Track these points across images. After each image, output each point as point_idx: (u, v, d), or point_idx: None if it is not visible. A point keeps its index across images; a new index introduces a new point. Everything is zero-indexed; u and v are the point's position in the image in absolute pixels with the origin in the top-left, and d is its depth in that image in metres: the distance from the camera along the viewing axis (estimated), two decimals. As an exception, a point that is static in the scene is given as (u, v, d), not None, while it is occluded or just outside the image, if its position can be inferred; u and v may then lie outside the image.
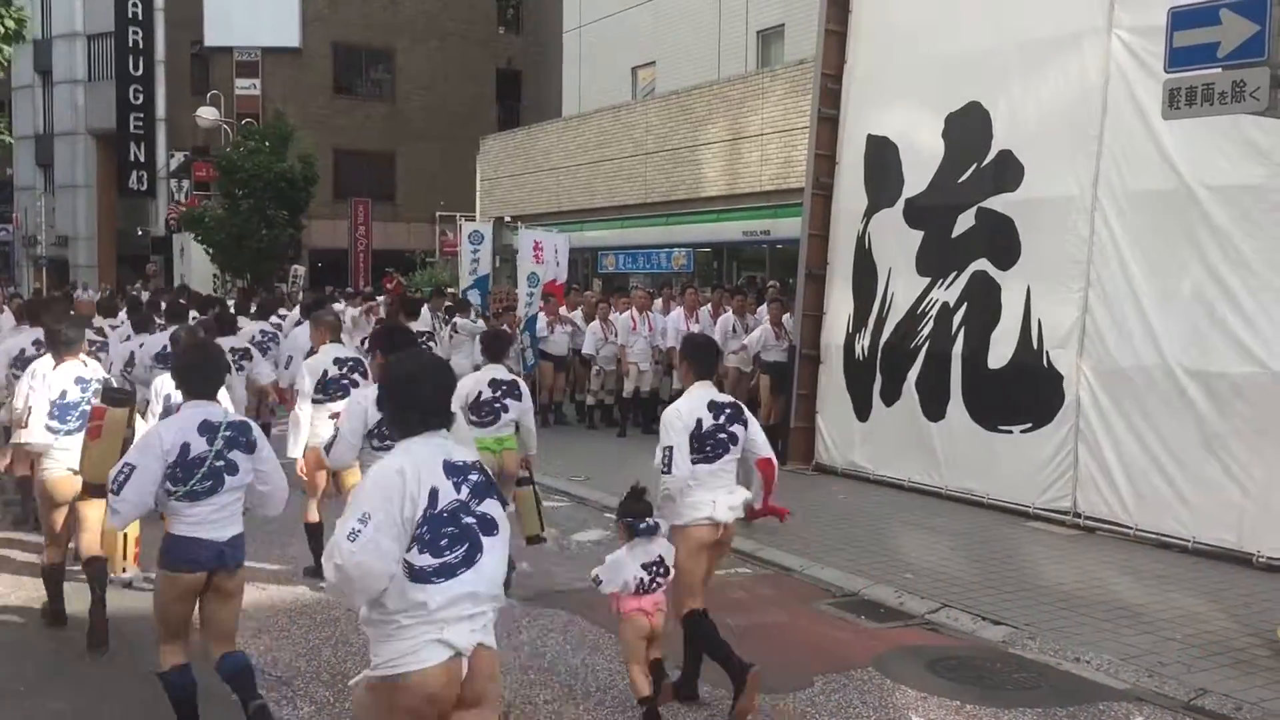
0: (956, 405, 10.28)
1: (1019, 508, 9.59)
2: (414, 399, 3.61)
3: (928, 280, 10.69)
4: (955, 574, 7.85)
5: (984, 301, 10.10)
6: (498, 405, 7.48)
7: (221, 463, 4.76)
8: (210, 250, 29.17)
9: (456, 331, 14.17)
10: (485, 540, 3.51)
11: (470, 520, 3.50)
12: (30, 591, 7.34)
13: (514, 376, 7.81)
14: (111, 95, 39.46)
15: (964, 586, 7.52)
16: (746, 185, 20.40)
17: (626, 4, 28.45)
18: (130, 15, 38.40)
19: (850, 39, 11.80)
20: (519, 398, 7.57)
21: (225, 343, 9.98)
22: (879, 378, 11.14)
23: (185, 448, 4.70)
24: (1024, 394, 9.68)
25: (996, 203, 10.02)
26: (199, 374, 4.47)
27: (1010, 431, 9.79)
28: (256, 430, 5.04)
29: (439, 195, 35.12)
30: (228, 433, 4.82)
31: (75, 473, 6.11)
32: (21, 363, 7.77)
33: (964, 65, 10.39)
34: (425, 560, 3.38)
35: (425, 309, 15.76)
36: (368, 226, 33.04)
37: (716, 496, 5.50)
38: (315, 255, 34.24)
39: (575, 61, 30.98)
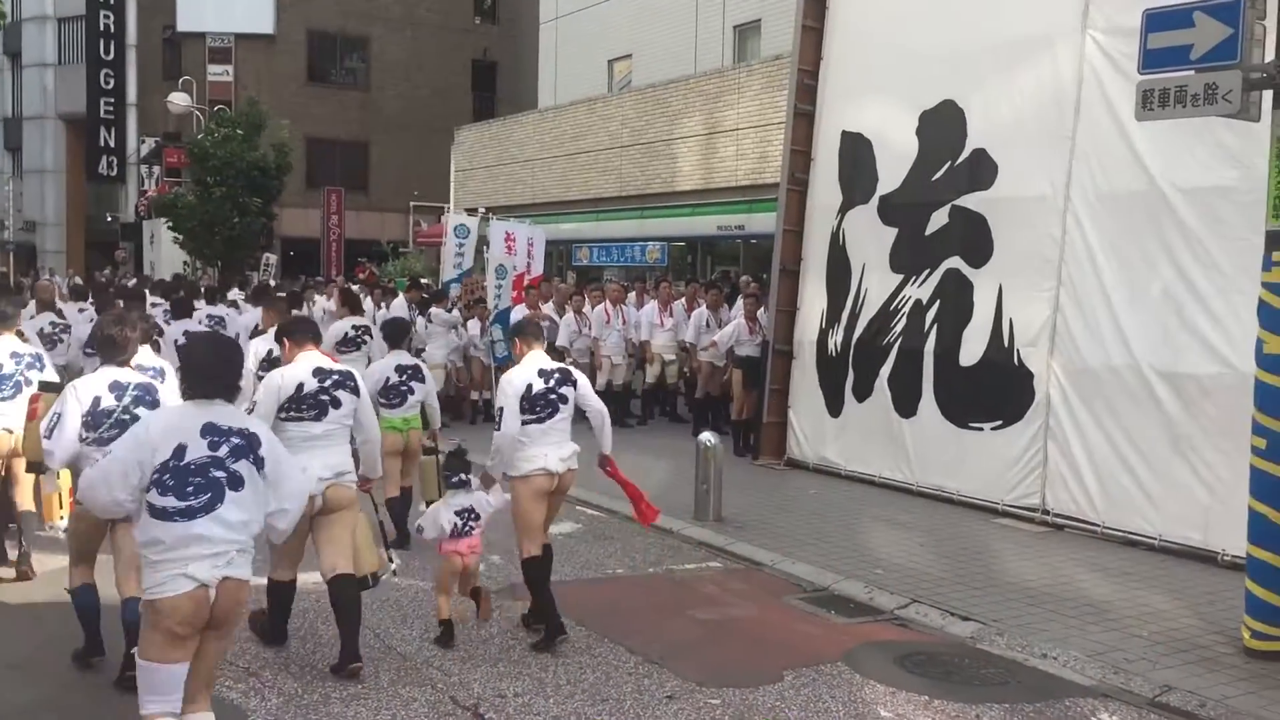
0: (928, 402, 10.34)
1: (988, 504, 9.66)
2: (192, 372, 4.34)
3: (901, 277, 10.73)
4: (925, 570, 7.90)
5: (956, 299, 10.15)
6: (404, 389, 8.17)
7: (128, 416, 5.33)
8: (181, 237, 28.91)
9: (431, 322, 14.12)
10: (230, 493, 4.11)
11: (220, 474, 4.11)
12: (-6, 580, 7.28)
13: (417, 362, 8.47)
14: (82, 79, 39.08)
15: (933, 582, 7.57)
16: (722, 180, 20.42)
17: (604, -4, 28.42)
18: (101, -1, 38.06)
19: (827, 35, 11.82)
20: (423, 380, 8.28)
21: (180, 325, 10.90)
22: (851, 374, 11.18)
23: (96, 400, 5.39)
24: (995, 392, 9.74)
25: (970, 201, 10.07)
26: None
27: (981, 429, 9.85)
28: (163, 391, 5.65)
29: (413, 185, 34.96)
30: (135, 391, 5.49)
31: (9, 431, 7.02)
32: None
33: (939, 63, 10.43)
34: (168, 502, 4.03)
35: (401, 298, 15.72)
36: (340, 216, 32.84)
37: (549, 450, 6.32)
38: (287, 244, 34.02)
39: (551, 53, 30.90)
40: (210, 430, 4.15)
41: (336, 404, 5.93)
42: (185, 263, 30.40)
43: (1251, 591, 6.20)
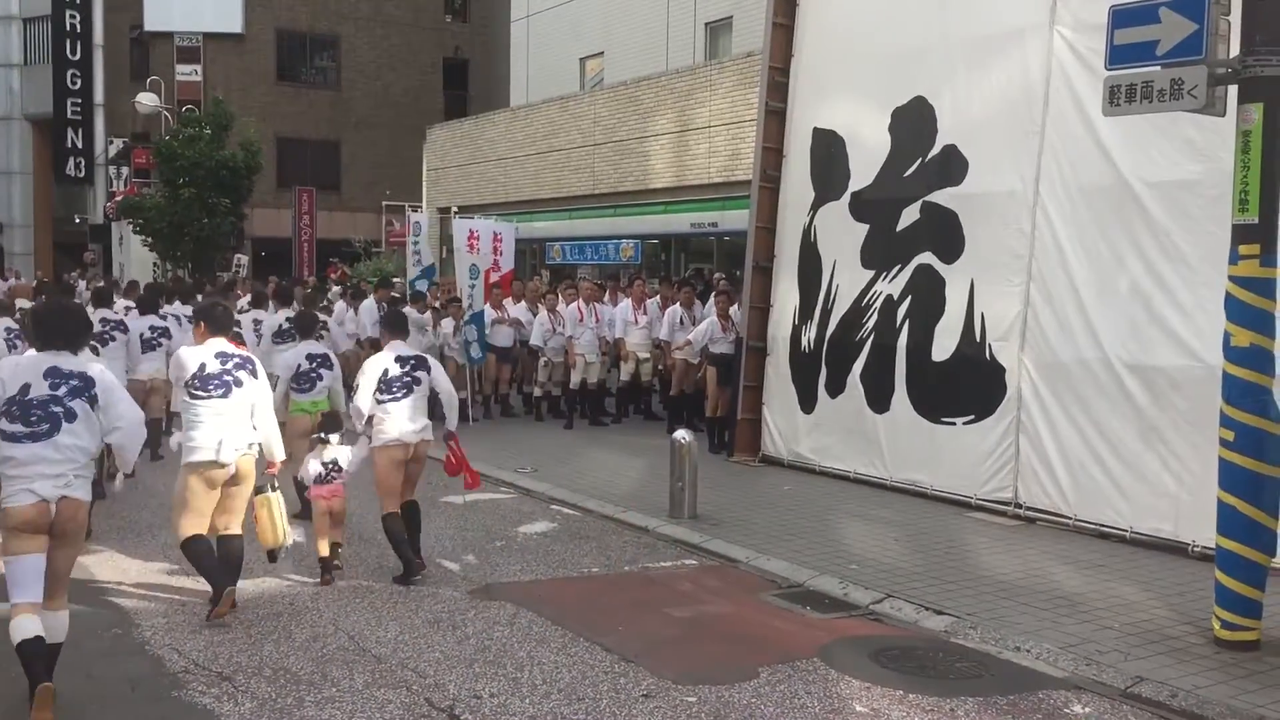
0: (900, 397, 10.38)
1: (962, 499, 9.71)
2: (41, 328, 5.49)
3: (872, 273, 10.77)
4: (899, 565, 7.93)
5: (928, 294, 10.20)
6: (314, 375, 8.78)
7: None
8: (149, 239, 28.65)
9: None
10: (65, 425, 5.18)
11: (57, 409, 5.18)
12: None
13: (326, 350, 9.18)
14: (48, 80, 38.60)
15: (907, 577, 7.60)
16: (694, 177, 20.42)
17: (575, -7, 28.37)
18: (67, -2, 37.63)
19: (797, 32, 11.84)
20: (330, 367, 8.89)
21: (144, 321, 11.43)
22: (824, 370, 11.21)
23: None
24: (967, 386, 9.79)
25: (941, 196, 10.11)
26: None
27: (954, 423, 9.90)
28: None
29: (384, 185, 34.76)
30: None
31: None
32: None
33: (909, 60, 10.47)
34: (16, 428, 5.11)
35: (370, 299, 15.62)
36: (312, 215, 32.61)
37: (403, 425, 7.49)
38: (259, 244, 33.78)
39: (523, 51, 30.82)
40: (52, 374, 5.25)
41: (239, 383, 6.67)
42: (155, 264, 30.13)
43: (1221, 582, 6.26)
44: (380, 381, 7.51)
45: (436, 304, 15.55)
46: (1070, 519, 8.92)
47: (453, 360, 14.39)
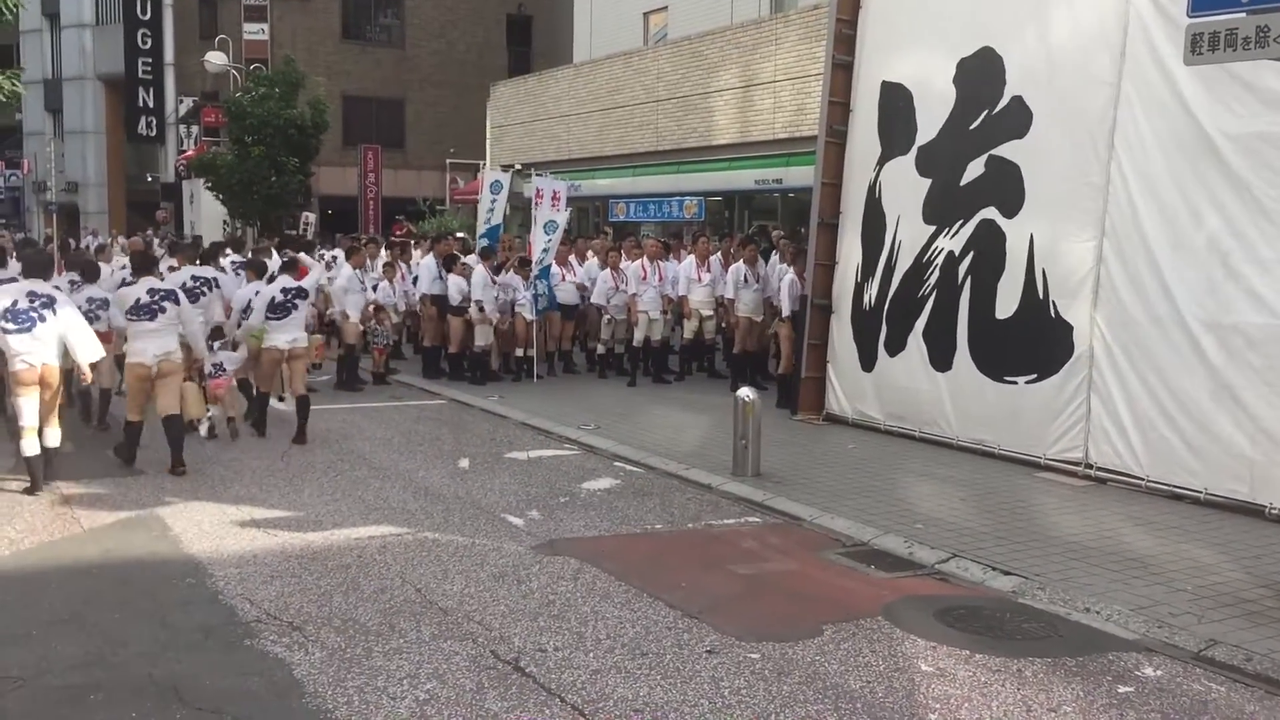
0: (963, 355, 10.24)
1: (1030, 458, 9.58)
2: (26, 267, 9.39)
3: (933, 229, 10.61)
4: (965, 524, 7.86)
5: (990, 250, 10.02)
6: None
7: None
8: (221, 196, 29.06)
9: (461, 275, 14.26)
10: (39, 325, 8.31)
11: (34, 314, 8.31)
12: (42, 536, 7.40)
13: (300, 285, 10.85)
14: (119, 39, 39.19)
15: (974, 537, 7.53)
16: (759, 133, 20.23)
17: (638, -53, 28.08)
18: (138, -42, 38.09)
19: (865, -16, 11.62)
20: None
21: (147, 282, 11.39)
22: (885, 328, 11.09)
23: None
24: (1030, 344, 9.63)
25: (1006, 149, 9.91)
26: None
27: (1015, 382, 9.76)
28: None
29: (449, 142, 34.86)
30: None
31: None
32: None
33: (978, 10, 10.24)
34: (9, 325, 8.25)
35: (429, 256, 15.68)
36: (378, 174, 32.84)
37: (282, 336, 10.60)
38: (325, 202, 34.11)
39: (586, 7, 30.63)
40: (30, 294, 8.44)
41: (163, 310, 9.24)
42: (225, 221, 30.56)
43: (1299, 545, 6.12)
44: (268, 307, 10.52)
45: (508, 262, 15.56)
46: (1142, 480, 8.76)
47: (521, 316, 14.42)
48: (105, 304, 10.38)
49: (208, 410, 10.63)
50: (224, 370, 10.68)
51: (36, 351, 8.34)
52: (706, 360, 15.38)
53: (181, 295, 9.58)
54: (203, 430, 10.59)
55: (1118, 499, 8.56)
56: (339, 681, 5.08)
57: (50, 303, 8.49)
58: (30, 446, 8.40)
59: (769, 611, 6.26)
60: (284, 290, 10.61)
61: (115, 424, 10.70)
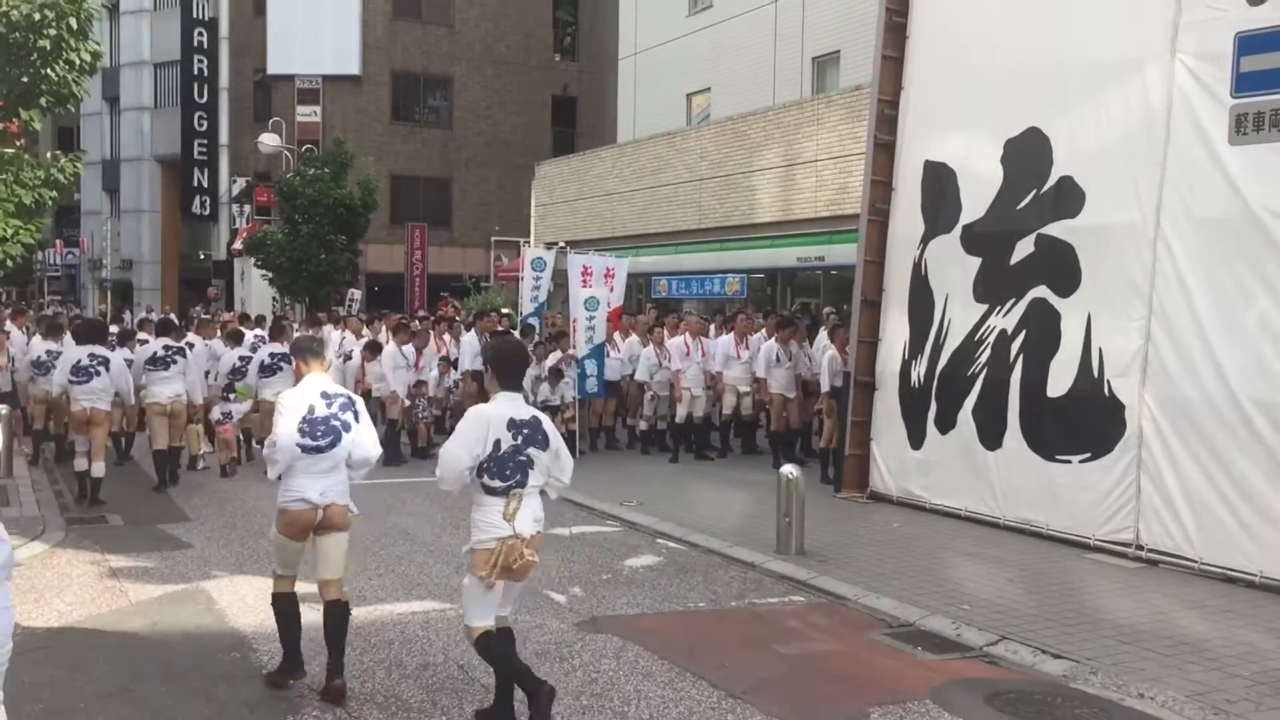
0: (1014, 434, 10.15)
1: (1079, 539, 9.43)
2: (81, 335, 11.94)
3: (985, 307, 10.58)
4: (1014, 605, 7.73)
5: (1043, 329, 9.98)
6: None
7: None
8: (269, 274, 29.62)
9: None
10: (97, 378, 11.19)
11: (97, 369, 11.21)
12: (90, 610, 7.46)
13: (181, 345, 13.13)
14: (176, 122, 40.33)
15: (1023, 618, 7.40)
16: (801, 211, 20.37)
17: (682, 31, 28.63)
18: (196, 44, 39.32)
19: (907, 64, 11.76)
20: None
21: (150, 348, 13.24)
22: (934, 405, 11.03)
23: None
24: (1084, 423, 9.53)
25: (1056, 229, 9.91)
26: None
27: (1069, 461, 9.64)
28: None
29: (494, 220, 35.42)
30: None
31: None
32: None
33: (1023, 91, 10.31)
34: (79, 379, 11.16)
35: (472, 333, 15.84)
36: (424, 251, 33.36)
37: (266, 393, 12.70)
38: (372, 279, 34.65)
39: (630, 88, 31.18)
40: (91, 355, 11.10)
41: (174, 363, 12.33)
42: (274, 299, 31.07)
43: (1360, 631, 5.97)
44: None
45: (544, 339, 15.68)
46: (1195, 562, 8.59)
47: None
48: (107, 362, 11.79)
49: (208, 449, 13.65)
50: (230, 418, 13.26)
51: (89, 398, 11.19)
52: (747, 437, 15.34)
53: (188, 350, 12.95)
54: (200, 465, 13.49)
55: (1170, 581, 8.39)
56: (381, 759, 5.05)
57: (105, 362, 11.35)
58: (79, 464, 11.47)
59: (814, 693, 6.17)
60: (271, 355, 13.19)
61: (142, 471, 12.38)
